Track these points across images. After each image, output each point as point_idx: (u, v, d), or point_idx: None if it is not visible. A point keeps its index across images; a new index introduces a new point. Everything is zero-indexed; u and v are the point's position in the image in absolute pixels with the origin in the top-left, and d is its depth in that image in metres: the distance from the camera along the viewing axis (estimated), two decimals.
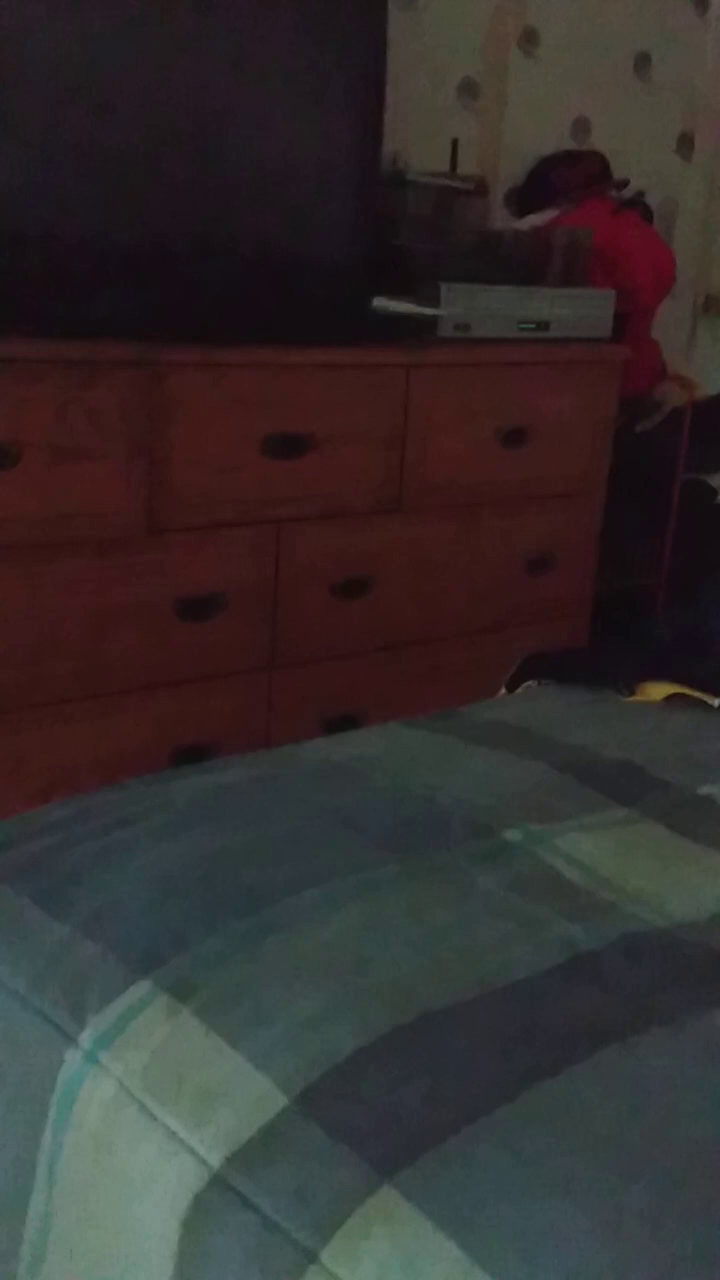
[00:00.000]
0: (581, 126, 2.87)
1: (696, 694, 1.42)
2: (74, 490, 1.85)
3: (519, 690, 1.52)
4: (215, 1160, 0.77)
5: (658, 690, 1.43)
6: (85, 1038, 0.87)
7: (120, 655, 1.95)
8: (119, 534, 1.90)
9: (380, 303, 2.13)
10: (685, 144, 3.11)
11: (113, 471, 1.87)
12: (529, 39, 2.73)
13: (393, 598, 2.24)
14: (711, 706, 1.41)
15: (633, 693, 1.44)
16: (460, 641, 2.35)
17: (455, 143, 2.47)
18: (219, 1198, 0.76)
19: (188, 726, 2.04)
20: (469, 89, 2.67)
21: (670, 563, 2.84)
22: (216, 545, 2.01)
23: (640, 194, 2.75)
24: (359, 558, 2.18)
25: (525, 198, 2.78)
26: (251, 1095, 0.80)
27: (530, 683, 1.51)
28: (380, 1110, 0.78)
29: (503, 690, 1.53)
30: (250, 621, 2.08)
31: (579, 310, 2.37)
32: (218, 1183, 0.76)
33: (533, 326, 2.31)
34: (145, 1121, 0.81)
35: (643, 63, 2.94)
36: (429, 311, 2.17)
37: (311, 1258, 0.71)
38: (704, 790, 1.20)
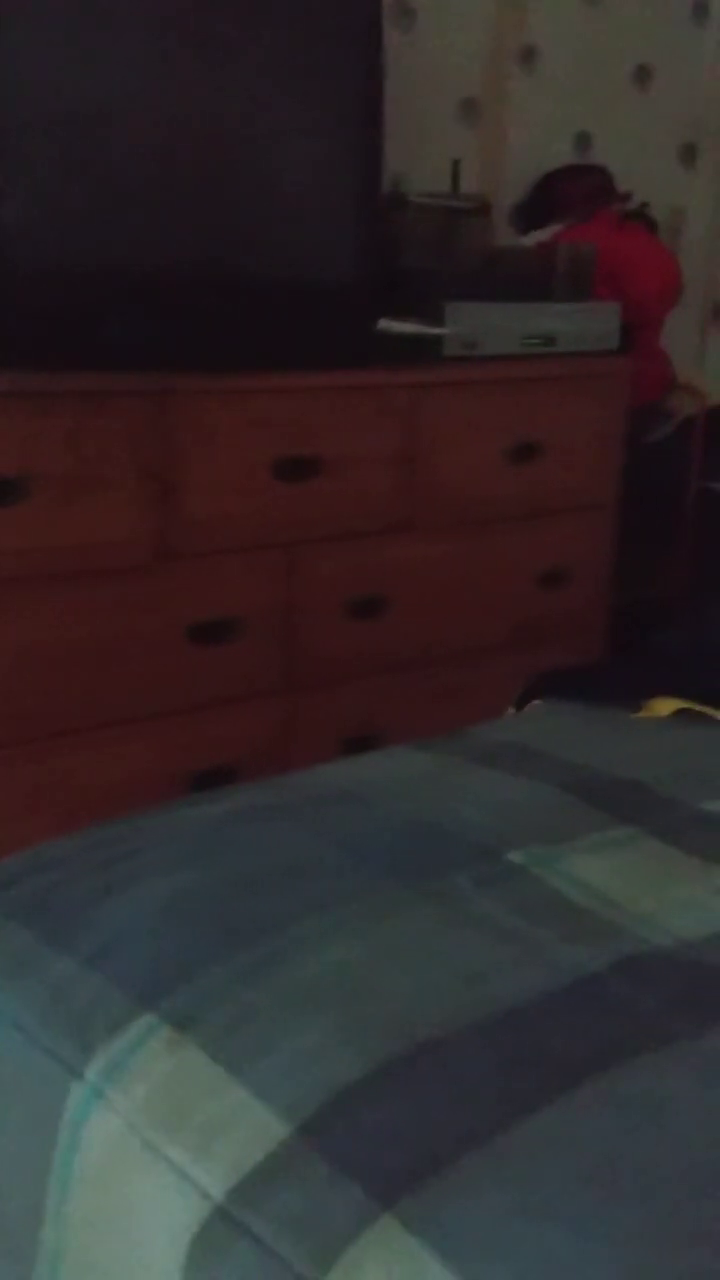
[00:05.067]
0: (584, 141, 2.87)
1: (704, 709, 1.42)
2: (86, 520, 1.86)
3: (526, 709, 1.52)
4: (218, 1192, 0.78)
5: (665, 706, 1.43)
6: (91, 1072, 0.88)
7: (135, 682, 1.96)
8: (131, 562, 1.92)
9: (385, 324, 2.14)
10: (688, 154, 3.11)
11: (124, 500, 1.89)
12: (528, 56, 2.74)
13: (407, 617, 2.24)
14: (719, 721, 1.41)
15: (640, 709, 1.44)
16: (477, 658, 2.35)
17: (456, 164, 2.48)
18: (221, 1229, 0.76)
19: (206, 752, 2.05)
20: (469, 108, 2.68)
21: (688, 573, 2.83)
22: (229, 569, 2.03)
23: (644, 205, 2.76)
24: (372, 578, 2.19)
25: (530, 213, 2.79)
26: (253, 1126, 0.80)
27: (537, 701, 1.51)
28: (381, 1139, 0.78)
29: (511, 710, 1.53)
30: (265, 645, 2.09)
31: (585, 324, 2.37)
32: (220, 1214, 0.77)
33: (539, 342, 2.31)
34: (149, 1155, 0.82)
35: (643, 75, 2.95)
36: (434, 331, 2.18)
37: None
38: (710, 807, 1.19)
